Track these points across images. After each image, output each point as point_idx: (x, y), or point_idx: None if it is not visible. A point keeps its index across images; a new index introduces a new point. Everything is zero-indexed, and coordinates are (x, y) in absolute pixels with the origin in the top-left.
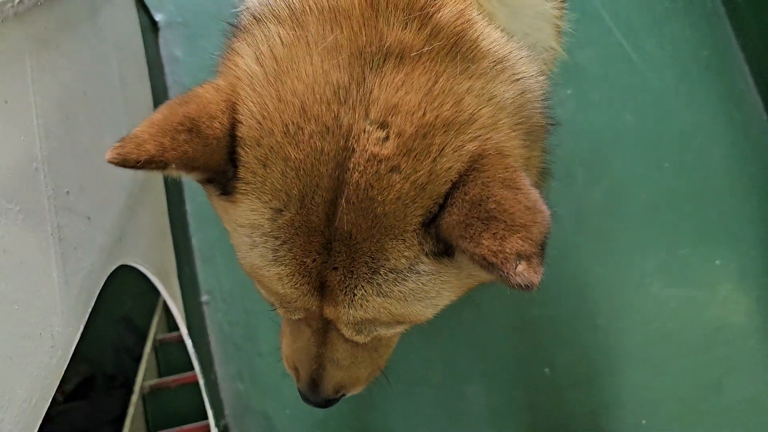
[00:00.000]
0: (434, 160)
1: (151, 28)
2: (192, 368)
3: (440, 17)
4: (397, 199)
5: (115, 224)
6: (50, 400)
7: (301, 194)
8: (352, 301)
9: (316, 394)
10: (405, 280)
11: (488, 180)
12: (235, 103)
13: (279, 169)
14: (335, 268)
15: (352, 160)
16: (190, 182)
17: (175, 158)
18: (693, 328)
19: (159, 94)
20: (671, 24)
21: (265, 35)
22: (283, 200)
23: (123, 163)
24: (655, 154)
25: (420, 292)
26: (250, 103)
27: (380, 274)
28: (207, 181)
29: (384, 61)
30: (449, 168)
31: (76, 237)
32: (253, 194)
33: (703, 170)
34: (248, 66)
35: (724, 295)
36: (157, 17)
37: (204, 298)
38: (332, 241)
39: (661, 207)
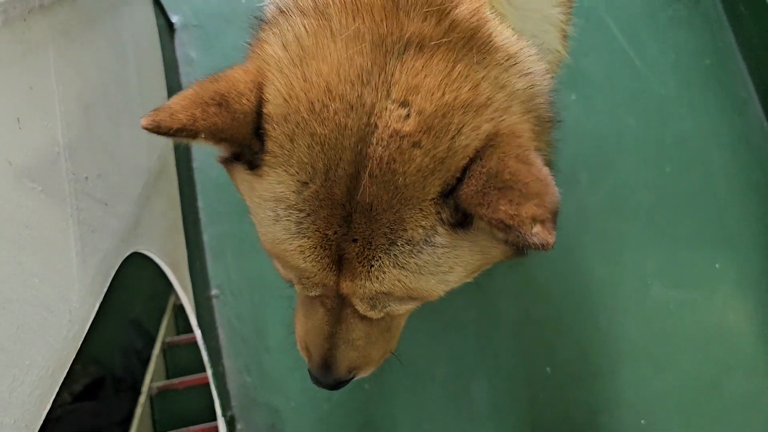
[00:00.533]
0: (453, 137)
1: (167, 29)
2: (200, 371)
3: (457, 13)
4: (418, 171)
5: (131, 212)
6: (65, 373)
7: (326, 167)
8: (369, 272)
9: (328, 374)
10: (420, 252)
11: (503, 155)
12: (262, 83)
13: (305, 144)
14: (354, 240)
15: (375, 135)
16: (202, 178)
17: (204, 128)
18: (692, 329)
19: (174, 93)
20: (675, 32)
21: (290, 25)
22: (309, 173)
23: (157, 129)
24: (657, 158)
25: (434, 266)
26: (278, 83)
27: (397, 245)
28: (234, 158)
29: (405, 49)
30: (467, 145)
31: (93, 221)
32: (280, 167)
33: (704, 175)
34: (275, 51)
35: (724, 298)
36: (174, 19)
37: (214, 292)
38: (353, 213)
39: (663, 210)
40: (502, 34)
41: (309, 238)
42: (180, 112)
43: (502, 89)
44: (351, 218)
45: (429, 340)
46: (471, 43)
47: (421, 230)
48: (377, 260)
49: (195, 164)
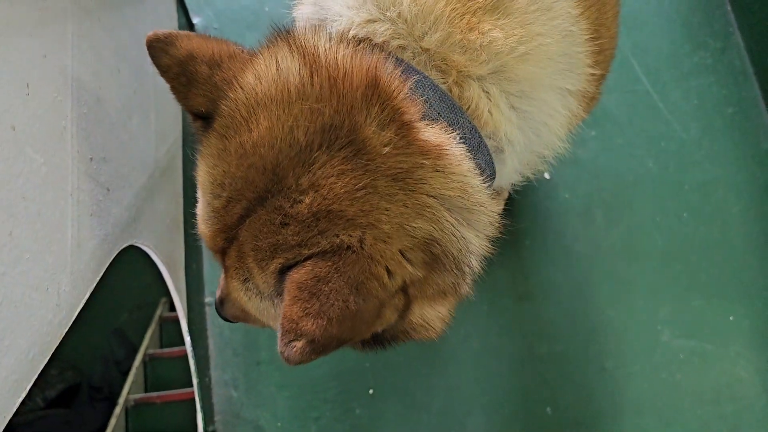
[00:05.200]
0: (313, 234)
1: (188, 29)
2: (180, 386)
3: (417, 137)
4: (274, 244)
5: (132, 203)
6: (46, 360)
7: (229, 195)
8: (232, 278)
9: (222, 310)
10: (261, 299)
11: (339, 269)
12: (237, 80)
13: (223, 169)
14: (230, 252)
15: (269, 200)
16: None
17: (182, 52)
18: (702, 382)
19: None
20: (699, 78)
21: (277, 60)
22: (218, 188)
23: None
24: (675, 203)
25: (270, 318)
26: (234, 101)
27: (246, 282)
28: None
29: (341, 148)
30: (318, 243)
31: (93, 204)
32: (206, 158)
33: (721, 224)
34: (255, 74)
35: (736, 352)
36: (195, 20)
37: (207, 299)
38: (234, 241)
39: (678, 256)
40: (449, 178)
41: (210, 227)
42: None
43: (395, 224)
44: (231, 245)
45: (427, 370)
46: (402, 177)
47: (263, 286)
48: (237, 278)
49: None
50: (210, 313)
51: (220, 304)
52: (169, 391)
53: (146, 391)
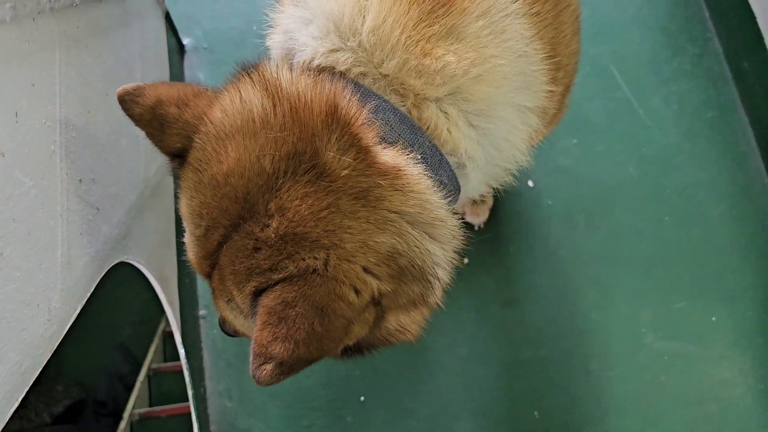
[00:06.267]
0: (282, 257)
1: (178, 50)
2: (184, 400)
3: (376, 158)
4: (249, 268)
5: (122, 221)
6: (38, 372)
7: (207, 224)
8: (218, 298)
9: (224, 327)
10: (244, 318)
11: (305, 293)
12: (205, 117)
13: (200, 200)
14: (214, 276)
15: (242, 227)
16: None
17: (149, 100)
18: (686, 383)
19: None
20: (678, 84)
21: (240, 93)
22: (198, 218)
23: (123, 94)
24: (656, 207)
25: (249, 331)
26: (203, 137)
27: (230, 302)
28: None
29: (305, 173)
30: (286, 267)
31: (83, 224)
32: (184, 191)
33: (702, 227)
34: (221, 109)
35: (719, 353)
36: (185, 41)
37: (201, 312)
38: (217, 262)
39: (659, 259)
40: (408, 196)
41: (194, 255)
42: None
43: (357, 241)
44: (213, 269)
45: (413, 377)
46: (363, 195)
47: (243, 306)
48: (222, 298)
49: None
50: (204, 325)
51: (222, 322)
52: (173, 404)
53: (150, 405)
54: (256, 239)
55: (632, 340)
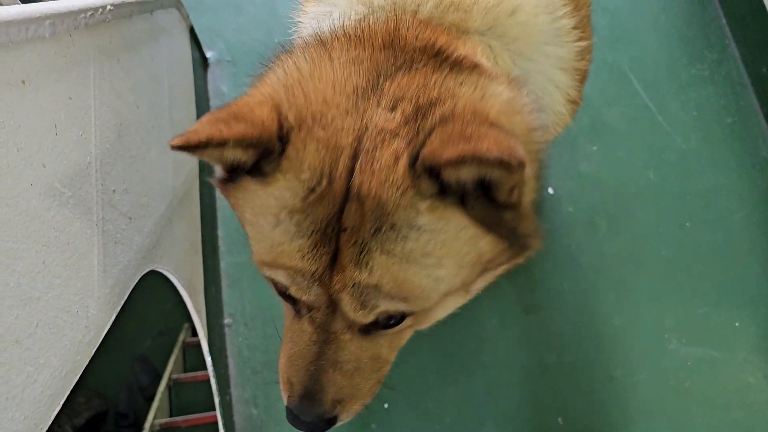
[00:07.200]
0: (420, 124)
1: (201, 62)
2: (204, 410)
3: (451, 53)
4: (392, 154)
5: (153, 230)
6: (77, 377)
7: (330, 168)
8: (358, 261)
9: (310, 407)
10: (406, 238)
11: (463, 120)
12: (272, 97)
13: (313, 148)
14: (344, 230)
15: (366, 134)
16: (224, 207)
17: (232, 136)
18: (711, 388)
19: None
20: (697, 89)
21: (291, 59)
22: (317, 177)
23: (186, 144)
24: (677, 213)
25: (420, 255)
26: (285, 99)
27: (382, 230)
28: (251, 167)
29: (395, 72)
30: (431, 121)
31: (117, 233)
32: (291, 172)
33: (723, 232)
34: (276, 76)
35: (743, 358)
36: (208, 54)
37: (227, 320)
38: (346, 205)
39: (681, 264)
40: (494, 72)
41: (308, 237)
42: (206, 128)
43: (480, 93)
44: (344, 211)
45: (439, 383)
46: (455, 65)
47: (401, 212)
48: (365, 247)
49: (218, 193)
50: (229, 333)
51: (306, 400)
52: (194, 414)
53: (171, 415)
54: (388, 131)
55: (656, 346)
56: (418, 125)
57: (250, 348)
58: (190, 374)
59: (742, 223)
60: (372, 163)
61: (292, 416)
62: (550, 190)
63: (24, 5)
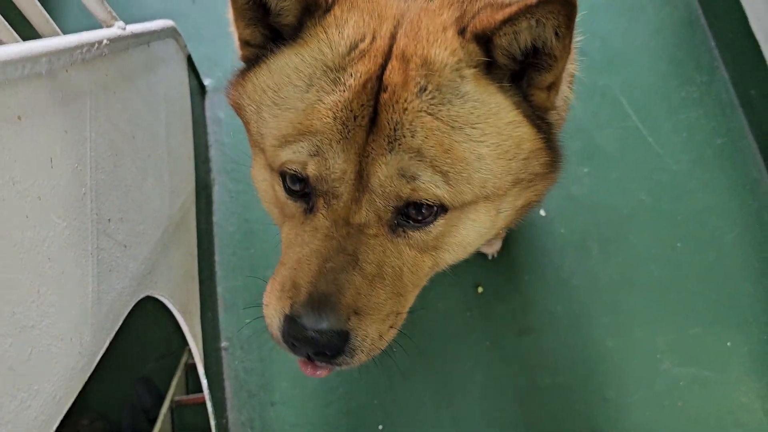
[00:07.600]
0: (472, 7)
1: (199, 90)
2: (205, 431)
3: None
4: (441, 23)
5: (148, 257)
6: (71, 402)
7: (374, 28)
8: (399, 120)
9: (322, 312)
10: (451, 103)
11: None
12: None
13: (358, 13)
14: (385, 89)
15: (410, 11)
16: (221, 233)
17: None
18: (704, 408)
19: (200, 150)
20: (687, 112)
21: None
22: (360, 32)
23: None
24: (669, 234)
25: (465, 122)
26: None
27: (427, 90)
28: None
29: None
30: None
31: (112, 261)
32: (334, 27)
33: (715, 252)
34: None
35: (736, 377)
36: (206, 82)
37: (223, 344)
38: (389, 62)
39: (674, 285)
40: None
41: (344, 93)
42: None
43: None
44: (386, 69)
45: (433, 403)
46: None
47: (448, 73)
48: (408, 106)
49: (215, 218)
50: (226, 357)
51: (317, 305)
52: None
53: None
54: (432, 10)
55: (649, 367)
56: (465, 7)
57: (246, 371)
58: (191, 396)
59: (734, 244)
60: (418, 30)
61: (294, 329)
62: (542, 212)
63: (20, 44)
